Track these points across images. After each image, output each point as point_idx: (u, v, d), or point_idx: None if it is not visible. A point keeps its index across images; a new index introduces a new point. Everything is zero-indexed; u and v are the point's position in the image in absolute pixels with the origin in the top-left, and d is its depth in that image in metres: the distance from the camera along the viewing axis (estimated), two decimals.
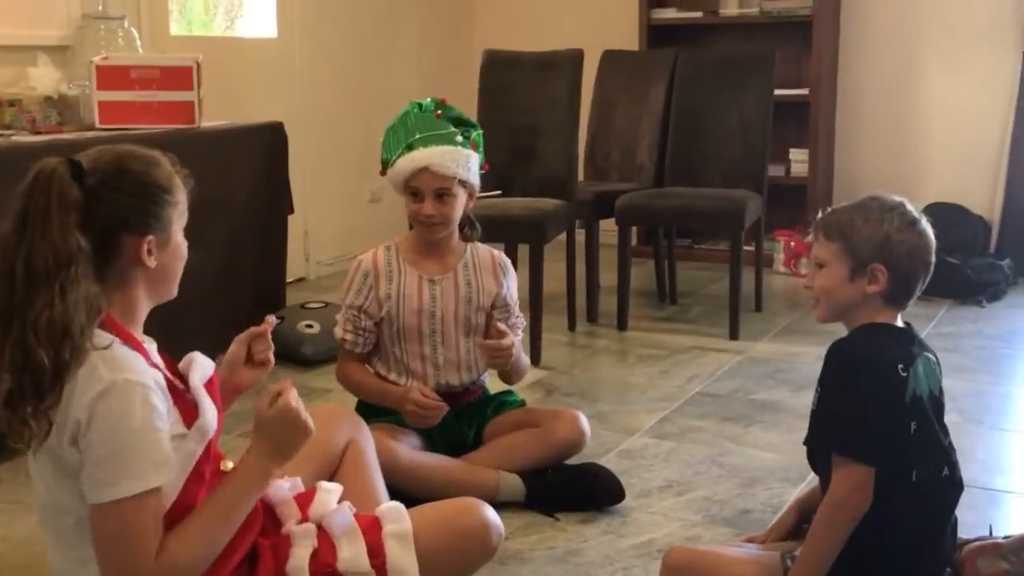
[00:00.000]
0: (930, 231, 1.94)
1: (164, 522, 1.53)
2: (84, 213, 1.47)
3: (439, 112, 2.61)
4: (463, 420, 2.66)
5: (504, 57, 4.34)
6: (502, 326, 2.57)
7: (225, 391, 1.80)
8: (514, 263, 4.36)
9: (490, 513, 1.83)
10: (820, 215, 2.00)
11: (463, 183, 2.57)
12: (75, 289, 1.44)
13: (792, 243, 5.18)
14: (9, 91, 3.44)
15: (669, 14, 5.59)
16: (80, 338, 1.45)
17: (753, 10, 5.43)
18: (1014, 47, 5.07)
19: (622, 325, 4.20)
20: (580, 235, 4.28)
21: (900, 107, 5.39)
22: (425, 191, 2.53)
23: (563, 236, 4.11)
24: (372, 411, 2.56)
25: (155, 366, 1.56)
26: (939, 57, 5.27)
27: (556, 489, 2.52)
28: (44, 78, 3.49)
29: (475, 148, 2.63)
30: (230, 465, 1.67)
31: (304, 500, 1.80)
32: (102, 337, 1.50)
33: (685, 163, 4.49)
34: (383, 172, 2.62)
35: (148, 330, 1.66)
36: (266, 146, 3.78)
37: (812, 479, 2.19)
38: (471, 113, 4.23)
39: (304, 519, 1.75)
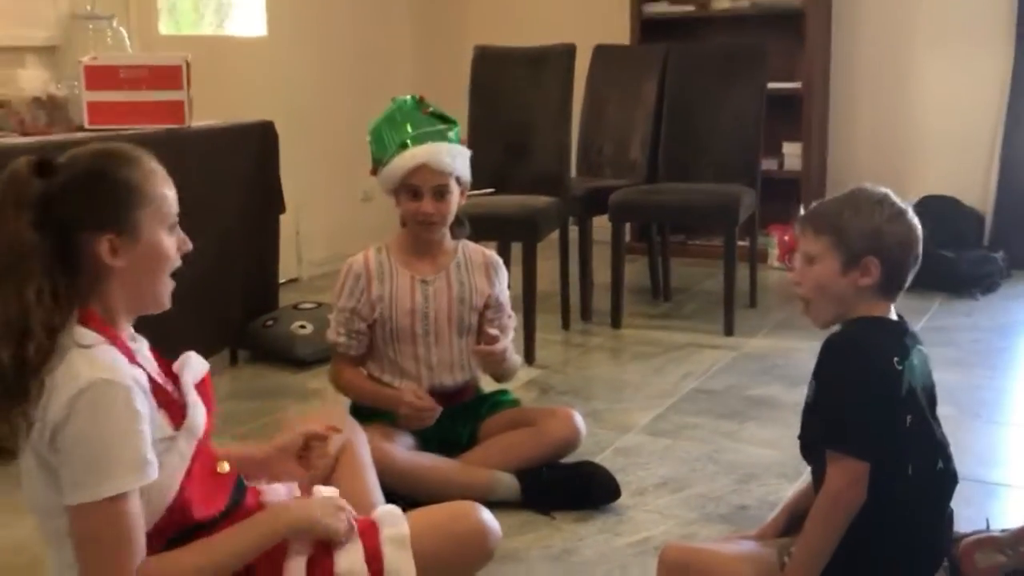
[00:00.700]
0: (917, 221, 1.94)
1: (162, 525, 1.52)
2: (41, 210, 1.48)
3: (429, 109, 2.60)
4: (457, 420, 2.64)
5: (495, 53, 4.32)
6: (493, 331, 2.56)
7: (255, 469, 1.83)
8: (507, 261, 4.34)
9: (487, 516, 1.83)
10: (804, 211, 2.00)
11: (458, 180, 2.57)
12: (31, 285, 1.44)
13: (786, 237, 5.17)
14: None
15: (661, 8, 5.58)
16: (44, 336, 1.44)
17: (745, 4, 5.42)
18: (1007, 39, 5.06)
19: (616, 322, 4.18)
20: (573, 232, 4.27)
21: (893, 100, 5.38)
22: (424, 188, 2.52)
23: (556, 233, 4.09)
24: (366, 412, 2.55)
25: (141, 367, 1.54)
26: (932, 50, 5.26)
27: (551, 488, 2.51)
28: (32, 79, 3.48)
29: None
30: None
31: None
32: (84, 335, 1.49)
33: (678, 158, 4.48)
34: (374, 172, 2.61)
35: (139, 330, 1.65)
36: (257, 145, 3.77)
37: (808, 475, 2.18)
38: (463, 109, 4.24)
39: None
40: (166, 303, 1.64)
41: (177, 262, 1.64)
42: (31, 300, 1.44)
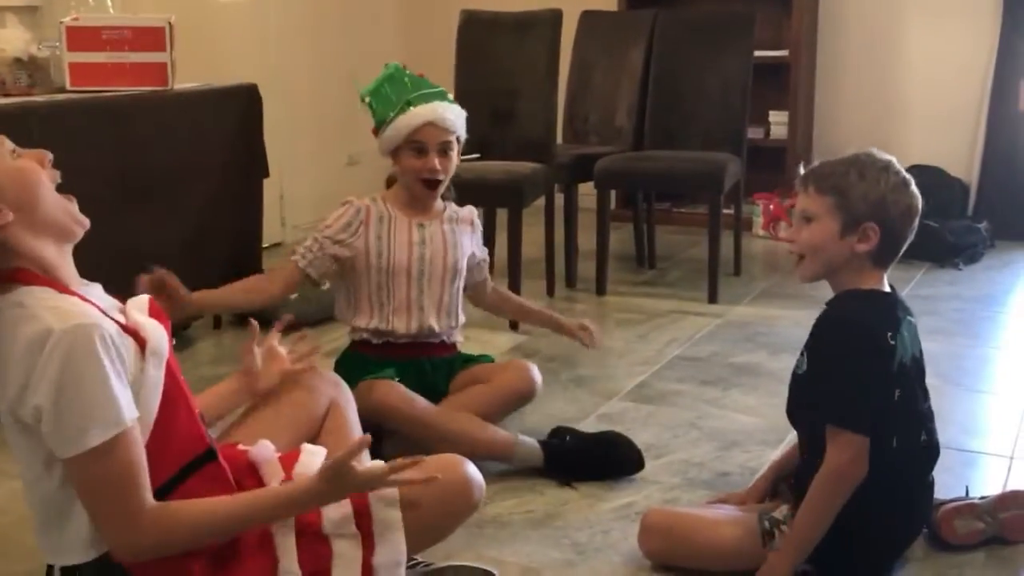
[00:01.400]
0: (918, 193, 1.93)
1: (147, 454, 1.51)
2: None
3: (421, 72, 2.65)
4: (439, 372, 2.70)
5: (482, 17, 4.29)
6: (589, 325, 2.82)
7: (241, 398, 2.05)
8: (492, 227, 4.36)
9: (472, 469, 1.83)
10: (810, 166, 1.96)
11: (458, 139, 2.64)
12: None
13: (771, 206, 5.18)
14: None
15: None
16: None
17: None
18: (994, 11, 5.05)
19: (601, 289, 4.19)
20: (558, 199, 4.26)
21: (880, 69, 5.37)
22: (430, 145, 2.58)
23: (541, 200, 4.09)
24: (356, 371, 2.55)
25: (95, 305, 1.52)
26: (919, 20, 5.25)
27: (574, 455, 2.51)
28: (13, 39, 3.43)
29: None
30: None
31: (289, 461, 1.80)
32: (21, 293, 1.48)
33: (664, 126, 4.47)
34: (377, 132, 2.63)
35: (126, 294, 1.65)
36: (240, 109, 3.73)
37: (790, 440, 2.20)
38: (449, 74, 4.21)
39: (288, 479, 1.74)
40: (77, 217, 1.59)
41: (52, 176, 1.57)
42: None
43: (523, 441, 2.52)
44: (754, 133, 5.08)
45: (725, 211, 4.22)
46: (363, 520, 1.70)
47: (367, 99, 2.63)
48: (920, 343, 1.98)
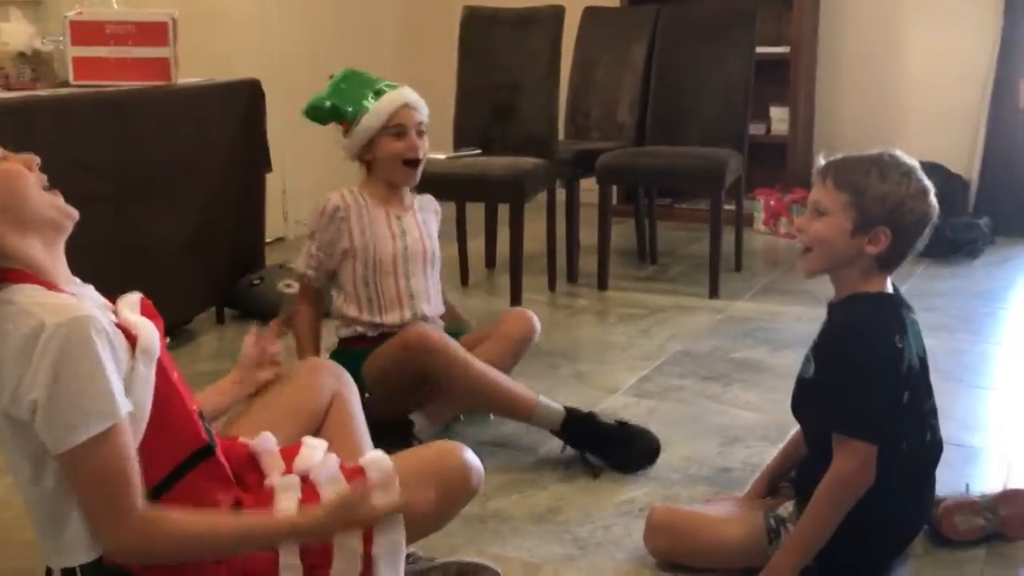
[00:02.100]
0: (936, 202, 1.91)
1: (141, 453, 1.50)
2: None
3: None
4: None
5: (484, 13, 4.29)
6: None
7: (244, 389, 2.04)
8: (494, 222, 4.36)
9: (470, 455, 1.84)
10: (830, 158, 1.92)
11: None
12: None
13: (772, 202, 5.18)
14: None
15: None
16: None
17: None
18: (995, 7, 5.05)
19: (602, 285, 4.19)
20: (560, 194, 4.26)
21: (880, 65, 5.37)
22: (410, 125, 2.67)
23: (543, 195, 4.09)
24: (350, 368, 2.54)
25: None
26: (920, 17, 5.25)
27: (592, 428, 2.53)
28: (17, 33, 3.43)
29: None
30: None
31: (289, 454, 1.80)
32: (11, 291, 1.48)
33: (666, 121, 4.47)
34: (346, 130, 2.71)
35: (129, 290, 1.65)
36: (243, 103, 3.74)
37: (788, 439, 2.20)
38: (451, 70, 4.22)
39: (288, 472, 1.75)
40: (64, 209, 1.59)
41: (39, 179, 1.57)
42: None
43: (544, 400, 2.55)
44: (755, 129, 5.08)
45: (726, 207, 4.22)
46: None
47: (327, 104, 2.72)
48: (923, 340, 1.98)
